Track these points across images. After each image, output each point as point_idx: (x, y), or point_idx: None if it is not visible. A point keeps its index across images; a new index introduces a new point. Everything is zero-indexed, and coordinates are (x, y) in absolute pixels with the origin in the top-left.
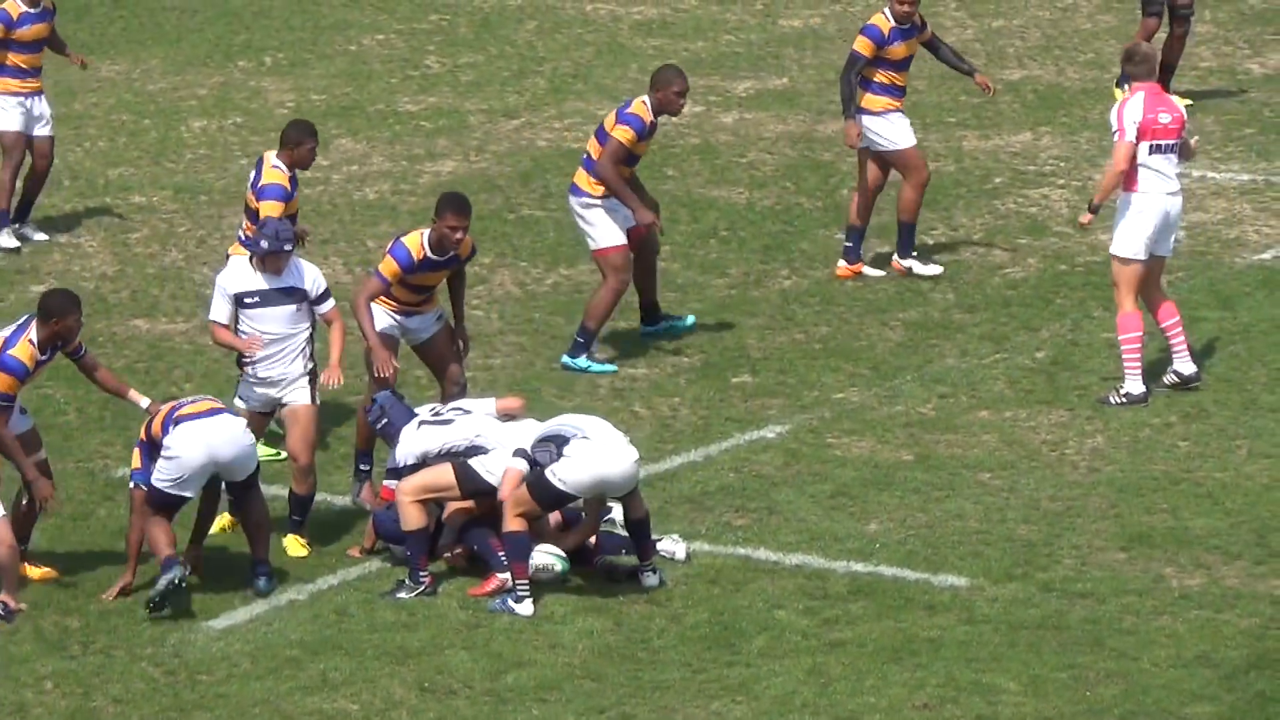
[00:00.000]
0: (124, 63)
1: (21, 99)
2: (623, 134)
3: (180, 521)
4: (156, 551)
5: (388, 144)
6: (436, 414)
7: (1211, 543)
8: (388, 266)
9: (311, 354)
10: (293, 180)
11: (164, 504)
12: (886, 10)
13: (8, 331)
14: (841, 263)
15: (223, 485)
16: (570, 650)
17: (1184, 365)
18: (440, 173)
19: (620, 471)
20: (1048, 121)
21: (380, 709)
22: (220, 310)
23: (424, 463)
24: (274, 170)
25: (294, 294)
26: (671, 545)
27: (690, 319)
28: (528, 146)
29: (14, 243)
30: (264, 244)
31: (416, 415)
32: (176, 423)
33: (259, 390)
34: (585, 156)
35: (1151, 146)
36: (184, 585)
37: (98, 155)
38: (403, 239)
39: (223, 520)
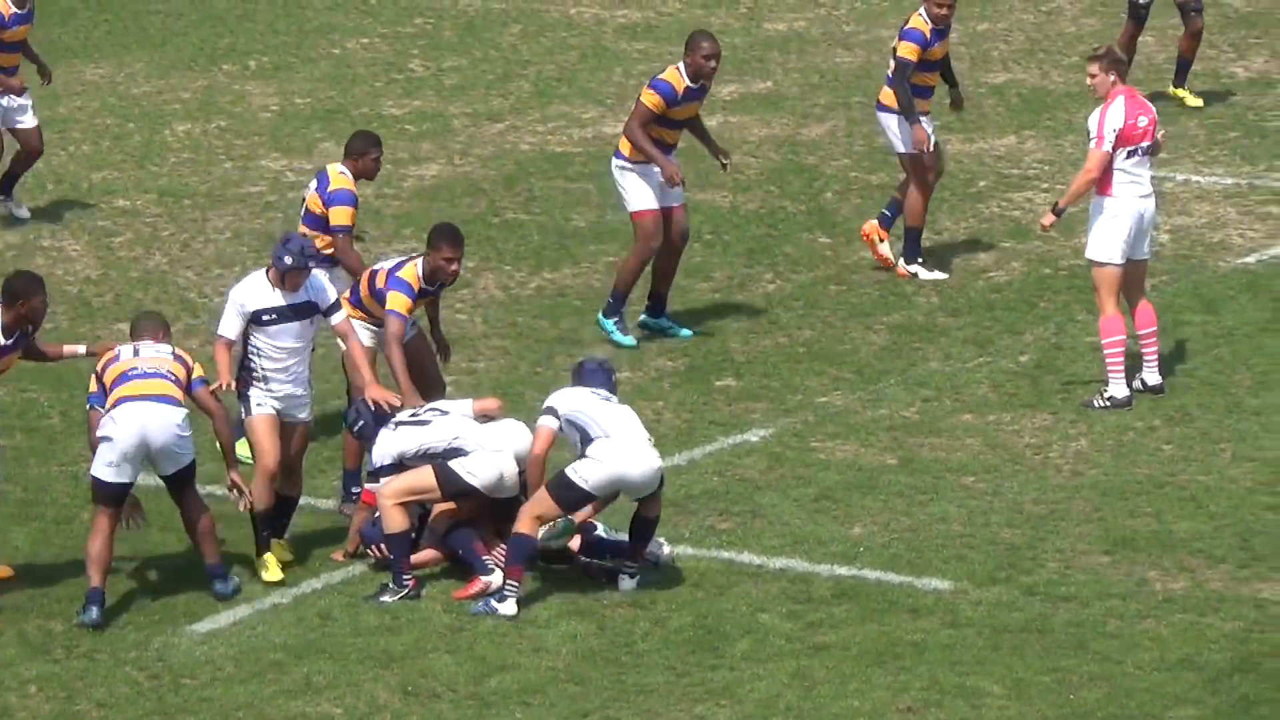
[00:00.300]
0: (108, 66)
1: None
2: (649, 98)
3: (170, 526)
4: (88, 572)
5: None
6: (414, 415)
7: (1195, 546)
8: (402, 304)
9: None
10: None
11: (109, 495)
12: (923, 12)
13: None
14: (900, 262)
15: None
16: (554, 654)
17: (1151, 376)
18: (424, 176)
19: (640, 474)
20: (1032, 125)
21: (364, 713)
22: (231, 326)
23: (401, 464)
24: (341, 177)
25: (309, 309)
26: (655, 549)
27: (687, 332)
28: (512, 150)
29: (26, 213)
30: (288, 260)
31: (393, 417)
32: (118, 403)
33: (269, 400)
34: (627, 121)
35: (1128, 151)
36: (98, 628)
37: (81, 159)
38: (400, 274)
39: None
